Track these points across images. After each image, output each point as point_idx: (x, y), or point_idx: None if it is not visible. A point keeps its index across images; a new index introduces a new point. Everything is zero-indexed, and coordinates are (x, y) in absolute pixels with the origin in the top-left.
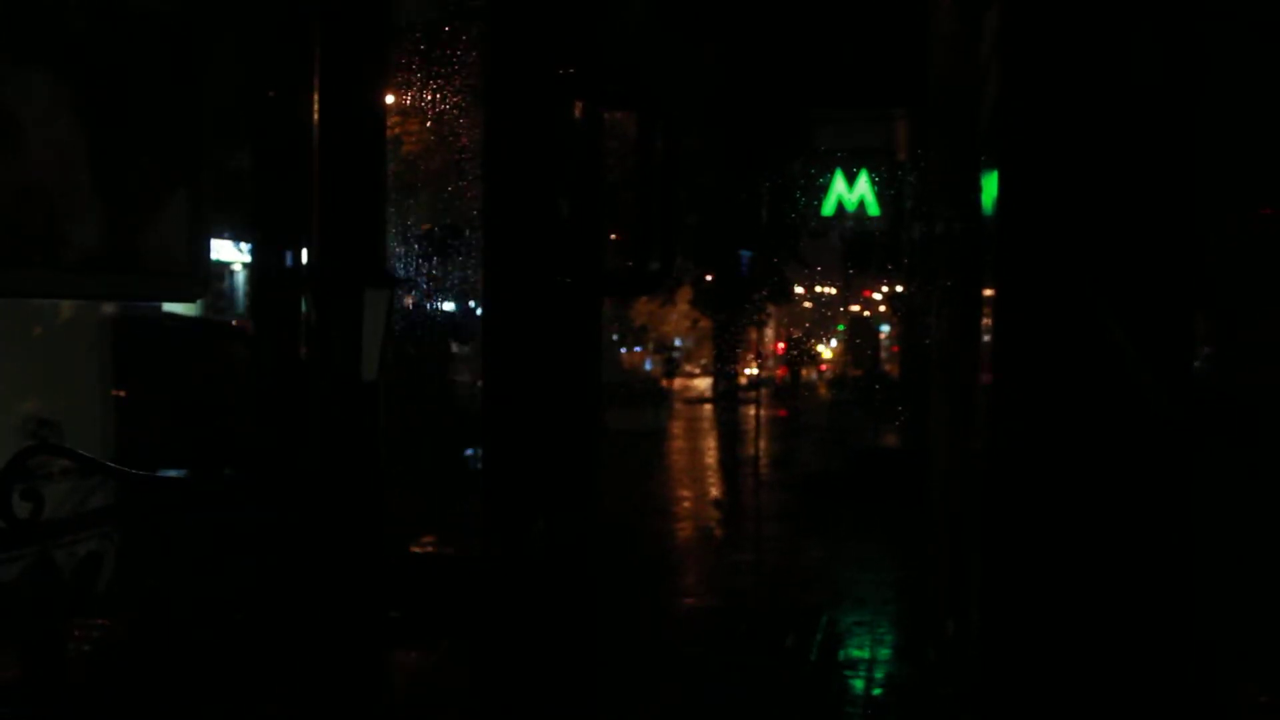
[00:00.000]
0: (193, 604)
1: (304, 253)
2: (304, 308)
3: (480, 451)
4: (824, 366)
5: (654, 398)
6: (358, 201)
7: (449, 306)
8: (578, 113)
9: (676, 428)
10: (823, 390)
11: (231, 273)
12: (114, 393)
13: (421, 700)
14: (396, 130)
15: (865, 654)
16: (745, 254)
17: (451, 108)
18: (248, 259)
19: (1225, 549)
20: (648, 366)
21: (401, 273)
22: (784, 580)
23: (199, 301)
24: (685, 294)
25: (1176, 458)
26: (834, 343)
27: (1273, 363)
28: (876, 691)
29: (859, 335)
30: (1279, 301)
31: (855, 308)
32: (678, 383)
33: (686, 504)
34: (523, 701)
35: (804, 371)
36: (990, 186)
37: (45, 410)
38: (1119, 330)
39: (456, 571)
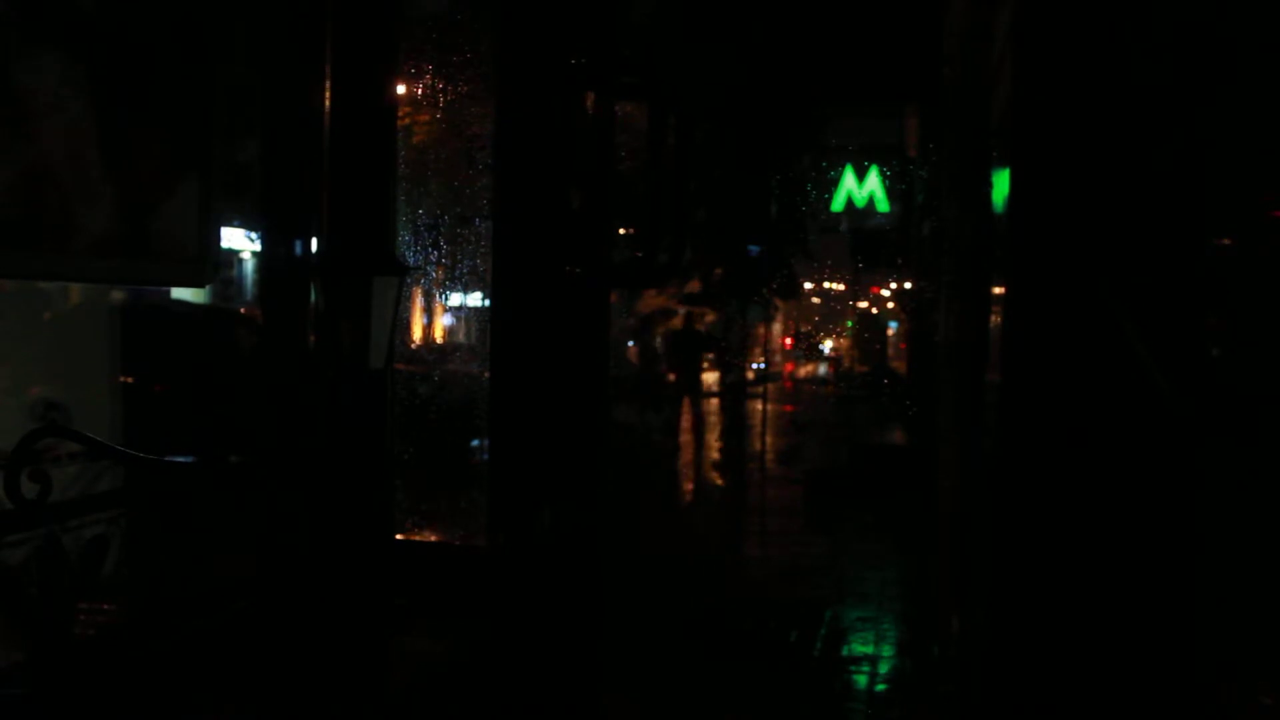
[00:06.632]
0: (198, 588)
1: (313, 241)
2: (313, 295)
3: (487, 442)
4: (830, 366)
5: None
6: (368, 189)
7: (457, 296)
8: (589, 104)
9: (684, 421)
10: (829, 386)
11: (240, 261)
12: (122, 379)
13: (425, 687)
14: (407, 120)
15: (869, 650)
16: (753, 249)
17: (462, 97)
18: (257, 248)
19: (1230, 546)
20: None
21: (411, 261)
22: (789, 575)
23: (207, 289)
24: (693, 287)
25: (1186, 455)
26: (841, 338)
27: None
28: (880, 688)
29: (867, 331)
30: None
31: (863, 304)
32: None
33: (692, 497)
34: (526, 689)
35: (810, 367)
36: (1001, 183)
37: (54, 394)
38: (1130, 327)
39: (463, 561)
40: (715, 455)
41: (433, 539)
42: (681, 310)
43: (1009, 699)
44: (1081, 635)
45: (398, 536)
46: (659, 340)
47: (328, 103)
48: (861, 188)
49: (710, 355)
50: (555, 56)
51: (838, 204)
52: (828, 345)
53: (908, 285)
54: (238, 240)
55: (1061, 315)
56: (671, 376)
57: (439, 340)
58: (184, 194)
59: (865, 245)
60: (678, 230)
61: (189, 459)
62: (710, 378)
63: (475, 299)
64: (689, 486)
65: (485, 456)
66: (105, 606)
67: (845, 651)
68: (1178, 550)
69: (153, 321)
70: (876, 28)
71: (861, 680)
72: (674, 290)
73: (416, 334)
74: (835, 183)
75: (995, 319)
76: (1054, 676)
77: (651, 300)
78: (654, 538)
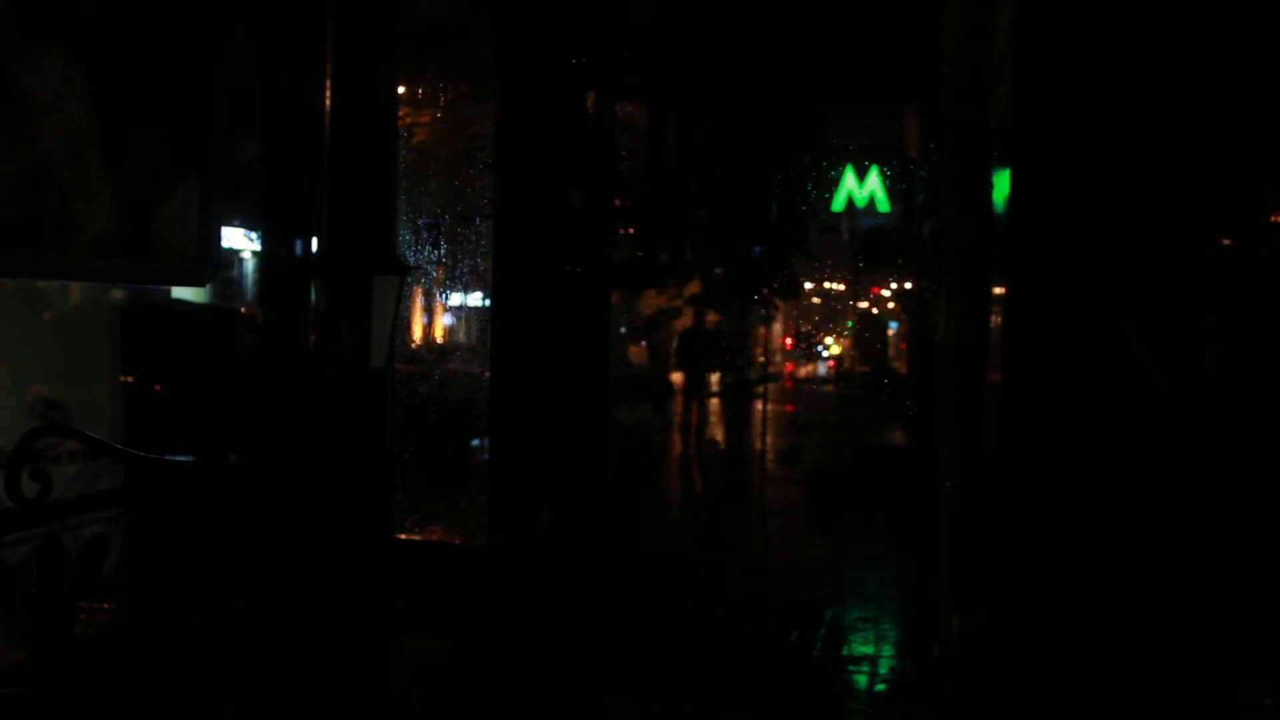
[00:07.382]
0: (198, 588)
1: (313, 241)
2: (313, 295)
3: (487, 442)
4: (831, 363)
5: (661, 391)
6: (368, 189)
7: (457, 296)
8: (589, 104)
9: (685, 420)
10: (829, 387)
11: (241, 260)
12: (122, 378)
13: (425, 687)
14: (407, 120)
15: (869, 650)
16: (754, 249)
17: (463, 97)
18: (257, 248)
19: (1230, 546)
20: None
21: (411, 261)
22: (789, 575)
23: (208, 288)
24: (694, 288)
25: (1186, 455)
26: (842, 338)
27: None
28: (880, 688)
29: (868, 331)
30: None
31: (864, 304)
32: (679, 377)
33: (692, 497)
34: (526, 689)
35: (811, 366)
36: (1002, 184)
37: (54, 393)
38: (1131, 327)
39: (463, 561)
40: (716, 455)
41: (433, 539)
42: (686, 310)
43: (1009, 699)
44: (1081, 635)
45: (398, 536)
46: (659, 340)
47: (328, 103)
48: (862, 188)
49: (716, 355)
50: (555, 56)
51: (838, 204)
52: (827, 347)
53: (908, 285)
54: (238, 240)
55: (1061, 315)
56: (674, 376)
57: (439, 340)
58: (184, 194)
59: (866, 245)
60: (678, 230)
61: (189, 459)
62: (711, 377)
63: (475, 299)
64: (689, 486)
65: (485, 456)
66: (105, 606)
67: (845, 651)
68: (1177, 550)
69: (153, 321)
70: (876, 28)
71: (861, 680)
72: (674, 290)
73: (417, 334)
74: (835, 183)
75: (995, 319)
76: (1053, 677)
77: (652, 300)
78: (654, 537)
